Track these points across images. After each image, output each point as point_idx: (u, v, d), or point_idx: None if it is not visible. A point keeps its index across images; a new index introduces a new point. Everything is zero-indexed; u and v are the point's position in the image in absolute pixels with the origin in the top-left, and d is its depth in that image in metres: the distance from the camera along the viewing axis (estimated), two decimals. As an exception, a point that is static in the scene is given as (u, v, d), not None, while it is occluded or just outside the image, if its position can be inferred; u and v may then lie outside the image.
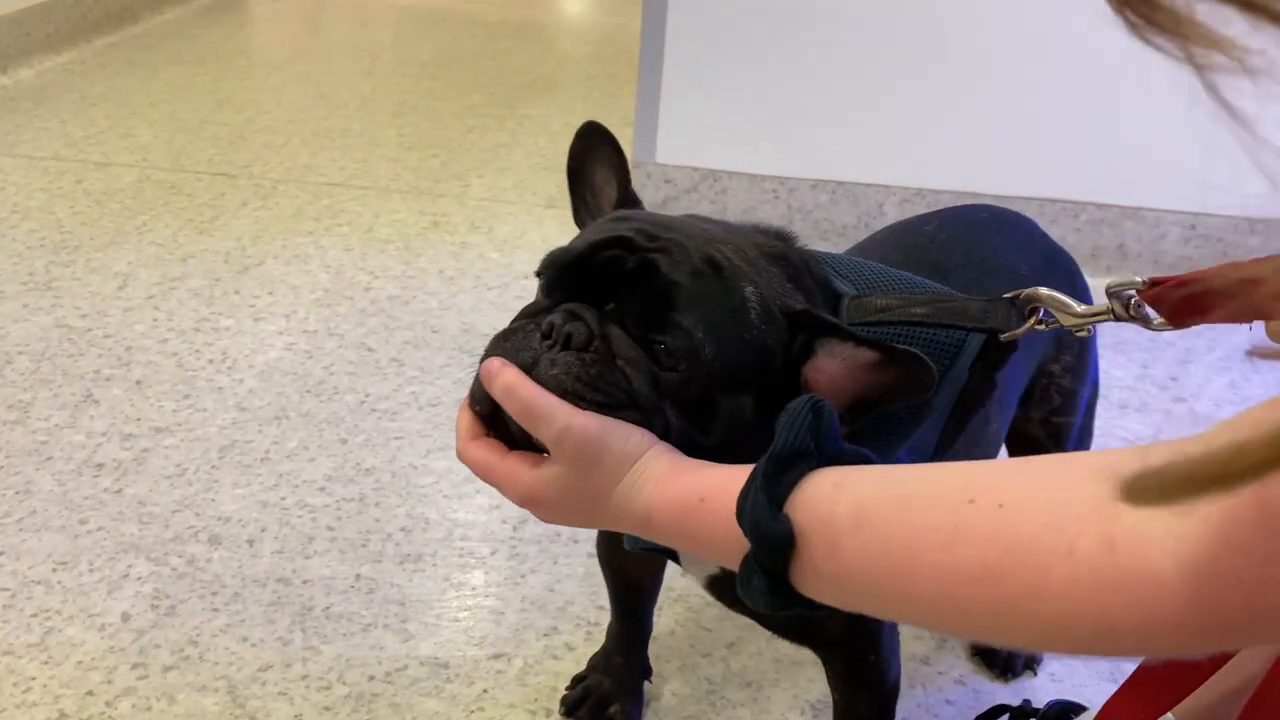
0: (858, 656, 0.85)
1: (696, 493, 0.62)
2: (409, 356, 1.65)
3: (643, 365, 0.68)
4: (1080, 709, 0.93)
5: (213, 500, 1.32)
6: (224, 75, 3.08)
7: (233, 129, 2.60)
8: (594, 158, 0.85)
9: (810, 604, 0.59)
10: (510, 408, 0.66)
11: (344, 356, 1.65)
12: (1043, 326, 0.76)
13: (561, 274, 0.72)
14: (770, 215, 2.07)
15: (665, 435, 0.68)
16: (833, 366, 0.70)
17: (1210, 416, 1.64)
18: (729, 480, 0.61)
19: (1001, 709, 0.98)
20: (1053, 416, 1.02)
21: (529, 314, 0.72)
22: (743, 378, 0.69)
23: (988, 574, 0.50)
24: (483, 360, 0.70)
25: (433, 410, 1.52)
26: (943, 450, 0.81)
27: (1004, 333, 0.76)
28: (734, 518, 0.58)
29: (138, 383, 1.55)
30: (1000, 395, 0.88)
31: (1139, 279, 0.68)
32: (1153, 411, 1.65)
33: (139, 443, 1.42)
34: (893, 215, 2.05)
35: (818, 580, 0.57)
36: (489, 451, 0.70)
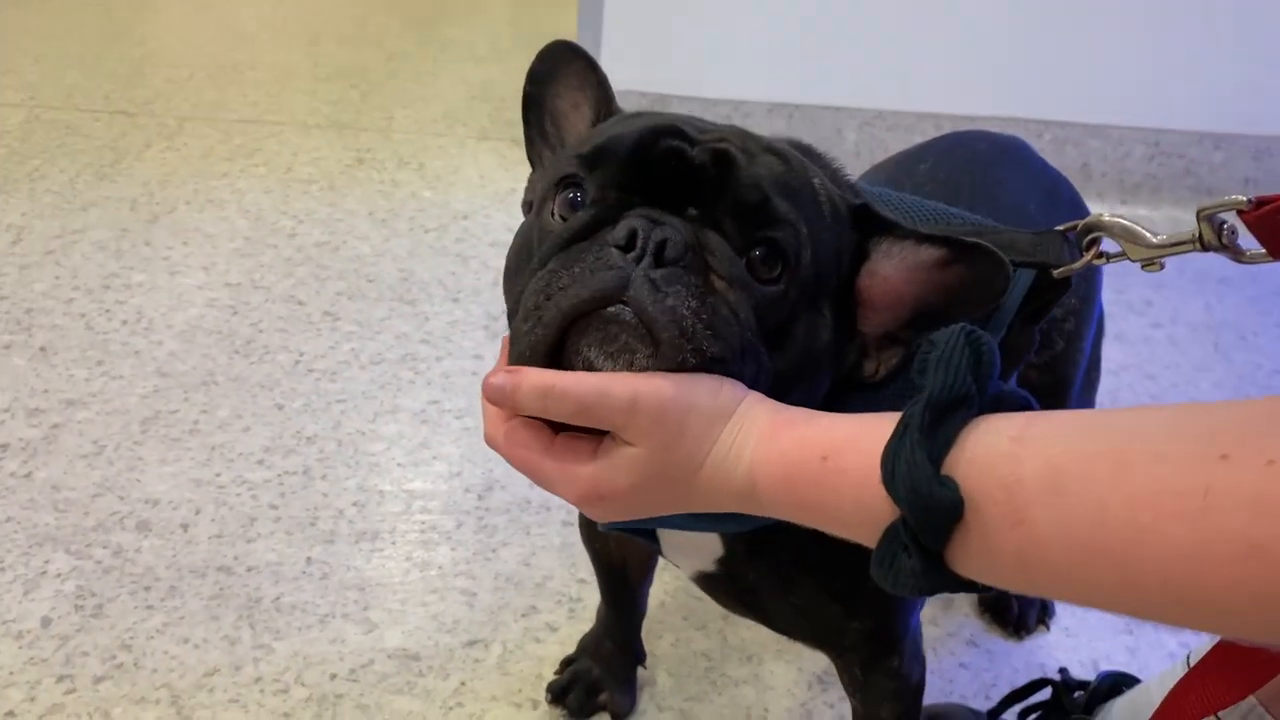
0: (880, 662, 0.75)
1: (817, 449, 0.51)
2: (344, 309, 1.51)
3: (747, 286, 0.56)
4: (1133, 680, 0.86)
5: (138, 481, 1.18)
6: (116, 5, 2.82)
7: (130, 63, 2.38)
8: (558, 80, 0.71)
9: (968, 585, 0.48)
10: (557, 413, 0.53)
11: (272, 311, 1.50)
12: (1103, 260, 0.67)
13: (622, 169, 0.57)
14: (722, 143, 1.96)
15: (756, 377, 0.56)
16: (890, 270, 0.60)
17: (1190, 342, 1.59)
18: (859, 433, 0.50)
19: (1041, 683, 0.90)
20: (1055, 361, 0.94)
21: (581, 228, 0.56)
22: (823, 286, 0.58)
23: (1256, 552, 0.38)
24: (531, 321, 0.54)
25: (376, 369, 1.39)
26: None
27: (1057, 268, 0.67)
28: (870, 480, 0.47)
29: (42, 350, 1.39)
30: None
31: (1244, 198, 0.59)
32: (1133, 340, 1.59)
33: (48, 418, 1.27)
34: (853, 139, 1.95)
35: (990, 557, 0.46)
36: (532, 439, 0.56)
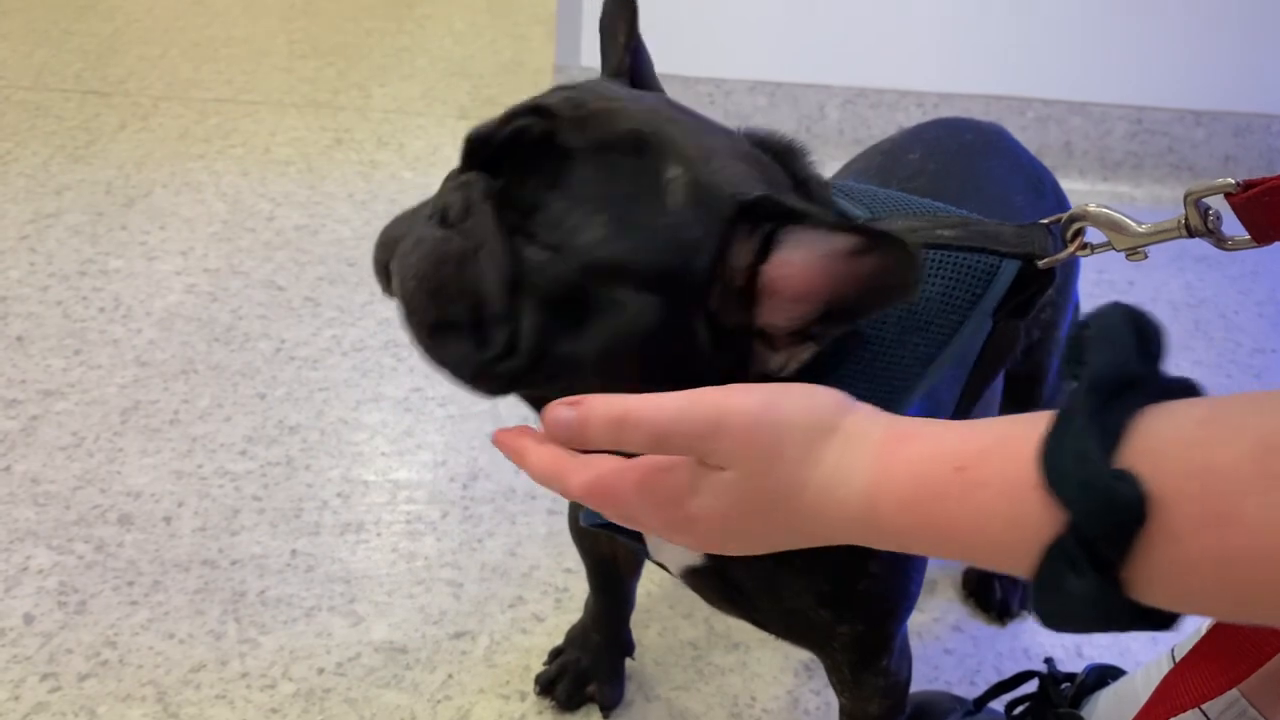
0: (870, 663, 0.74)
1: (949, 460, 0.44)
2: (325, 295, 1.50)
3: (498, 255, 0.55)
4: (1119, 672, 0.86)
5: (119, 473, 1.17)
6: (85, -22, 2.77)
7: (101, 40, 2.34)
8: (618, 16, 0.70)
9: (1147, 615, 0.40)
10: (632, 444, 0.49)
11: (252, 298, 1.49)
12: (1087, 251, 0.66)
13: (472, 147, 0.60)
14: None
15: (511, 351, 0.55)
16: (800, 260, 0.55)
17: (1171, 321, 1.60)
18: (1001, 436, 0.43)
19: (1028, 674, 0.91)
20: (1032, 350, 0.94)
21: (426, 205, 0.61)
22: (644, 272, 0.55)
23: None
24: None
25: (358, 355, 1.38)
26: (962, 414, 0.72)
27: (1042, 259, 0.66)
28: (1023, 488, 0.40)
29: (18, 339, 1.37)
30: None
31: (1232, 180, 0.58)
32: (1113, 318, 1.60)
33: (25, 409, 1.25)
34: (835, 118, 1.94)
35: (1183, 572, 0.38)
36: (629, 489, 0.50)
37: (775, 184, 0.60)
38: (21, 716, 0.91)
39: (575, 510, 0.88)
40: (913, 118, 1.94)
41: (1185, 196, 0.59)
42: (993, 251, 0.63)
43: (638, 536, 0.69)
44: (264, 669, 0.96)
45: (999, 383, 0.90)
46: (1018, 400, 1.00)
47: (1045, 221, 0.68)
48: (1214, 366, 1.51)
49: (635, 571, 0.91)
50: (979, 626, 1.06)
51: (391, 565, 1.08)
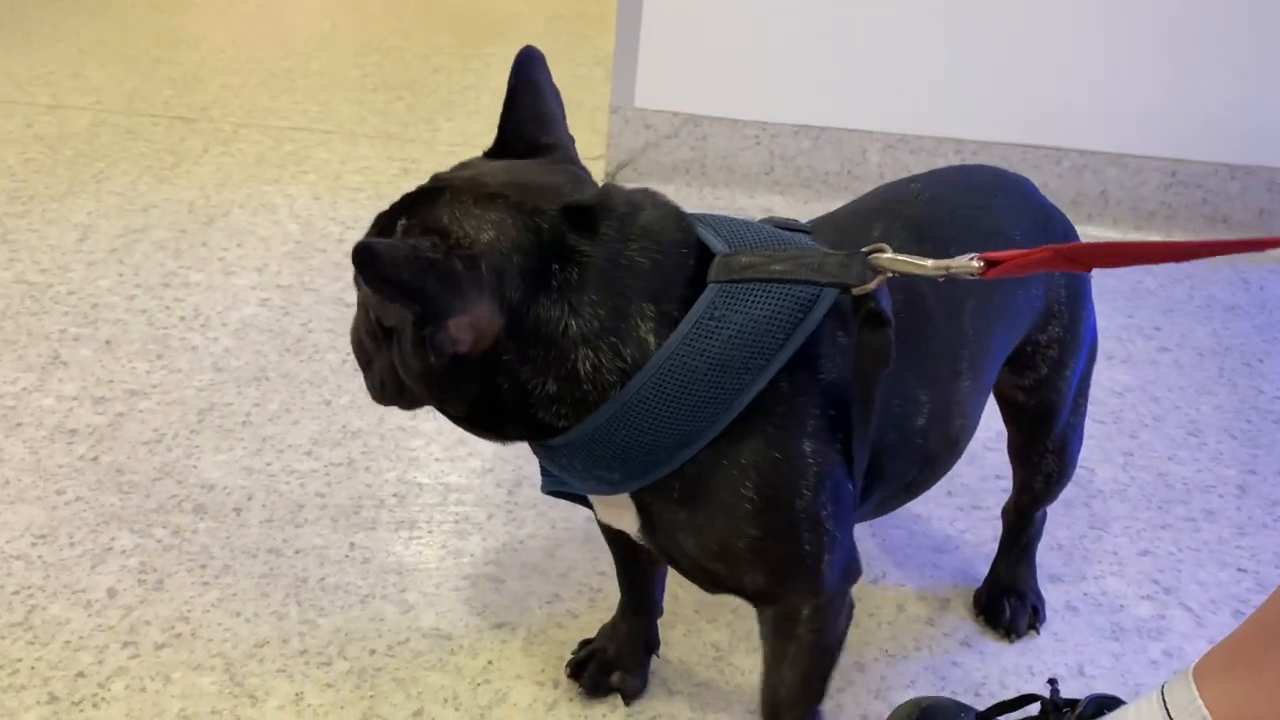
0: (788, 611, 0.82)
1: None
2: (388, 312, 1.60)
3: (361, 319, 0.81)
4: (1117, 702, 0.91)
5: (195, 467, 1.28)
6: (175, 9, 2.95)
7: (187, 69, 2.50)
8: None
9: None
10: None
11: (321, 313, 1.60)
12: (893, 274, 0.73)
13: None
14: (751, 161, 2.04)
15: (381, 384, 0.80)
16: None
17: (1195, 367, 1.65)
18: None
19: (1031, 697, 0.96)
20: (1040, 386, 1.01)
21: None
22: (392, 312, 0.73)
23: None
24: None
25: (417, 369, 1.48)
26: (864, 420, 0.78)
27: (856, 287, 0.73)
28: None
29: (107, 343, 1.49)
30: (972, 352, 0.87)
31: (976, 264, 0.69)
32: (1139, 363, 1.65)
33: (113, 406, 1.37)
34: (876, 162, 2.02)
35: None
36: None
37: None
38: (104, 679, 1.01)
39: None
40: (951, 163, 2.01)
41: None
42: (812, 283, 0.72)
43: (585, 500, 0.82)
44: (321, 648, 1.05)
45: (976, 385, 0.92)
46: (1026, 435, 1.07)
47: (865, 250, 0.74)
48: (1234, 412, 1.56)
49: (659, 567, 0.99)
50: (987, 643, 1.12)
51: (440, 560, 1.17)
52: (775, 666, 0.87)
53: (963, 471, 1.37)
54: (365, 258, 0.64)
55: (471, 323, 0.69)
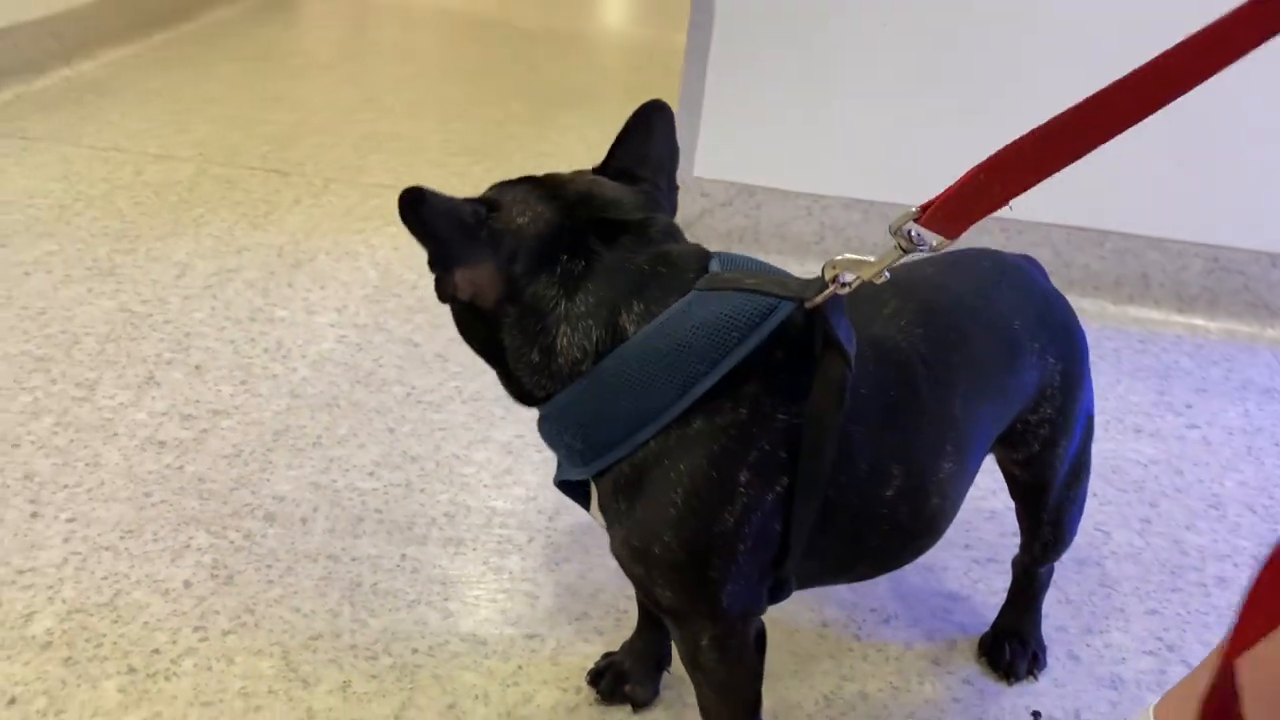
0: (690, 635, 0.87)
1: None
2: (453, 353, 1.73)
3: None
4: None
5: (268, 480, 1.40)
6: (275, 74, 3.18)
7: (285, 127, 2.70)
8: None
9: None
10: None
11: (392, 350, 1.73)
12: (846, 289, 0.78)
13: None
14: (803, 231, 2.14)
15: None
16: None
17: (1223, 445, 1.70)
18: None
19: None
20: (1032, 461, 1.06)
21: None
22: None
23: None
24: None
25: (475, 404, 1.60)
26: (813, 467, 0.82)
27: (808, 301, 0.80)
28: None
29: (196, 367, 1.64)
30: (959, 436, 0.90)
31: (913, 208, 0.73)
32: (1166, 438, 1.70)
33: (198, 424, 1.50)
34: (921, 236, 2.11)
35: None
36: None
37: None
38: (176, 656, 1.12)
39: None
40: (995, 241, 2.10)
41: (889, 229, 0.74)
42: (772, 294, 0.80)
43: (584, 498, 0.89)
44: (369, 644, 1.16)
45: (958, 468, 0.94)
46: (1024, 504, 1.13)
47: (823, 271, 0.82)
48: (1258, 489, 1.60)
49: None
50: (987, 683, 1.19)
51: (481, 575, 1.27)
52: (698, 691, 0.94)
53: (982, 527, 1.44)
54: (413, 197, 0.78)
55: (473, 278, 0.82)
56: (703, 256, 0.86)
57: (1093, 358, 1.94)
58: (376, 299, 1.88)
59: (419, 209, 0.78)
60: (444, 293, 0.84)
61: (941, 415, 0.89)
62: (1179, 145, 2.02)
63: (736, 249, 2.14)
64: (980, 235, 2.10)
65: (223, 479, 1.40)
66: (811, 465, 0.81)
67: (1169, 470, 1.62)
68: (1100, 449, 1.65)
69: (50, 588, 1.19)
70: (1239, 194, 2.04)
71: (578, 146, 2.75)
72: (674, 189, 0.94)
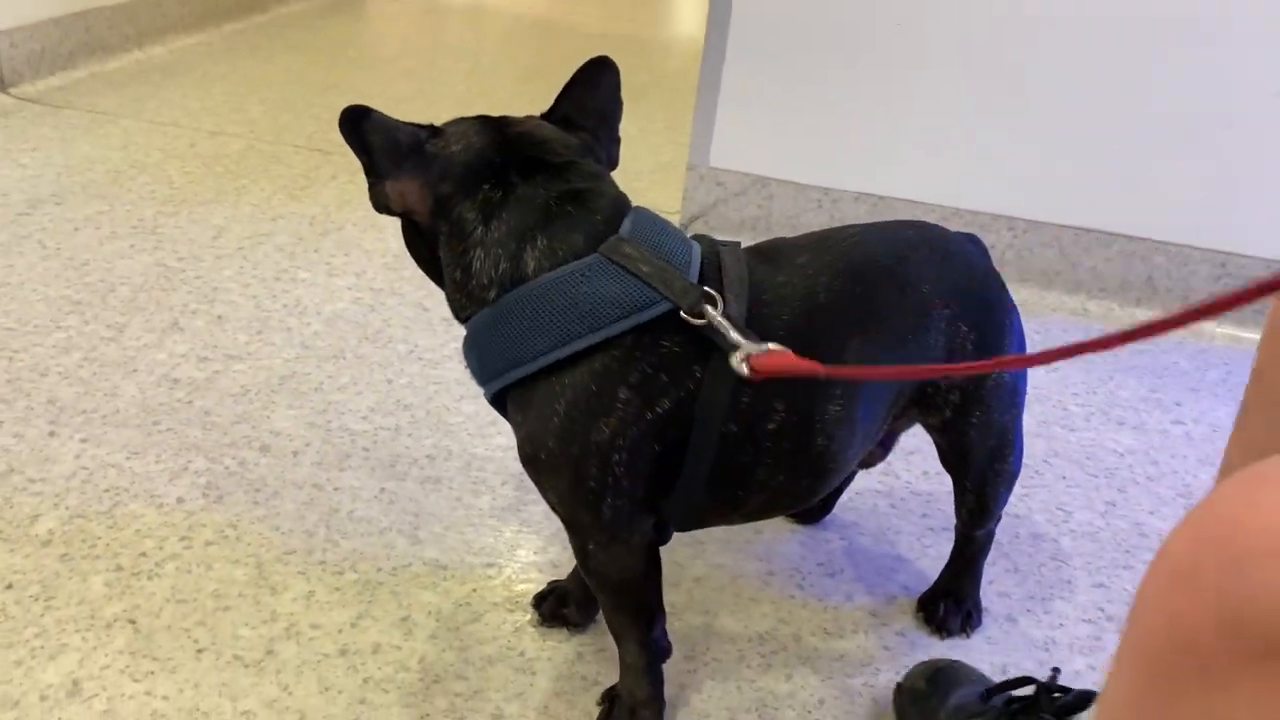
0: (579, 541, 0.96)
1: None
2: (459, 318, 1.82)
3: None
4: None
5: (268, 417, 1.50)
6: (335, 64, 3.33)
7: (334, 111, 2.80)
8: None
9: None
10: None
11: (402, 313, 1.83)
12: (701, 321, 0.87)
13: None
14: (814, 222, 2.20)
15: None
16: None
17: (1206, 440, 1.71)
18: None
19: (1026, 680, 1.04)
20: (947, 428, 1.09)
21: None
22: None
23: None
24: None
25: (471, 363, 1.69)
26: (720, 465, 0.92)
27: (684, 311, 0.86)
28: None
29: (219, 317, 1.75)
30: (848, 383, 0.95)
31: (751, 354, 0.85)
32: (1149, 431, 1.73)
33: (212, 365, 1.61)
34: (928, 231, 2.15)
35: None
36: None
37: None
38: (160, 560, 1.22)
39: None
40: (1002, 240, 2.14)
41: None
42: (657, 290, 0.87)
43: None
44: (337, 561, 1.25)
45: (839, 447, 0.97)
46: (951, 471, 1.17)
47: (708, 289, 0.88)
48: (1235, 483, 1.62)
49: None
50: (920, 636, 1.23)
51: (452, 510, 1.35)
52: (597, 597, 1.02)
53: (942, 498, 1.48)
54: (356, 113, 0.89)
55: (403, 190, 0.91)
56: (618, 205, 0.93)
57: (1089, 356, 1.97)
58: (395, 267, 1.99)
59: (359, 124, 0.87)
60: (377, 201, 0.93)
61: (833, 362, 0.93)
62: (1189, 151, 2.04)
63: (748, 238, 2.21)
64: (986, 234, 2.14)
65: (227, 414, 1.50)
66: (701, 440, 0.90)
67: (1144, 460, 1.64)
68: (1078, 437, 1.68)
69: (57, 495, 1.31)
70: (1249, 200, 2.05)
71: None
72: (615, 141, 1.02)
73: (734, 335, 0.85)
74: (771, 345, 0.85)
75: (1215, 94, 1.98)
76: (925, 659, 1.19)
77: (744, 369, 0.84)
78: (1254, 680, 0.38)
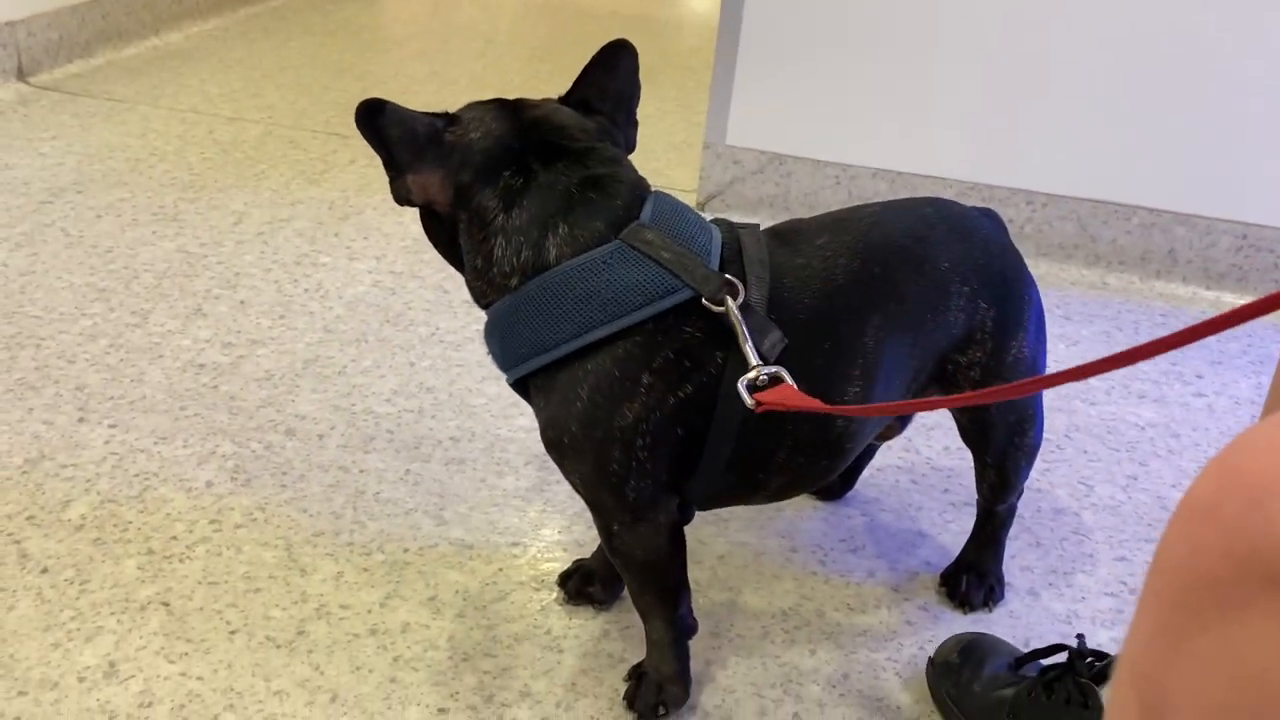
0: (603, 522, 0.96)
1: None
2: (479, 300, 1.83)
3: None
4: None
5: (293, 401, 1.52)
6: (349, 47, 3.33)
7: (351, 96, 2.84)
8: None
9: None
10: None
11: (422, 296, 1.84)
12: (722, 309, 0.87)
13: None
14: (831, 200, 2.20)
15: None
16: None
17: (1227, 413, 1.71)
18: None
19: (1060, 647, 1.05)
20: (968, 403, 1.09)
21: None
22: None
23: None
24: None
25: (492, 345, 1.70)
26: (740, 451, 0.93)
27: (705, 298, 0.87)
28: None
29: (241, 302, 1.77)
30: (868, 363, 0.94)
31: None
32: (1170, 404, 1.73)
33: (236, 350, 1.63)
34: (946, 207, 2.15)
35: None
36: None
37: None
38: (191, 543, 1.24)
39: None
40: (1021, 214, 2.13)
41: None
42: (678, 278, 0.87)
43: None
44: (365, 543, 1.26)
45: (859, 425, 1.00)
46: (971, 447, 1.17)
47: (729, 277, 0.89)
48: (1257, 455, 1.61)
49: None
50: (943, 611, 1.24)
51: (476, 490, 1.37)
52: (623, 577, 1.03)
53: (964, 473, 1.48)
54: (372, 107, 0.88)
55: (424, 183, 0.92)
56: (638, 190, 0.93)
57: (1108, 329, 1.97)
58: (415, 250, 2.00)
59: (376, 118, 0.88)
60: (398, 195, 0.93)
61: (852, 342, 0.94)
62: (1208, 121, 2.02)
63: (766, 216, 2.21)
64: (1005, 208, 2.14)
65: (252, 398, 1.52)
66: (723, 424, 0.90)
67: (1165, 434, 1.64)
68: (1099, 411, 1.68)
69: (88, 480, 1.33)
70: (1270, 171, 2.03)
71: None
72: (633, 124, 1.02)
73: (748, 349, 0.86)
74: (779, 370, 0.85)
75: (1234, 64, 1.96)
76: (949, 633, 1.20)
77: (749, 400, 0.84)
78: (1263, 609, 0.40)
